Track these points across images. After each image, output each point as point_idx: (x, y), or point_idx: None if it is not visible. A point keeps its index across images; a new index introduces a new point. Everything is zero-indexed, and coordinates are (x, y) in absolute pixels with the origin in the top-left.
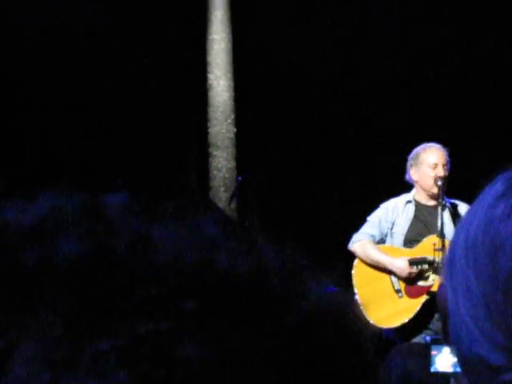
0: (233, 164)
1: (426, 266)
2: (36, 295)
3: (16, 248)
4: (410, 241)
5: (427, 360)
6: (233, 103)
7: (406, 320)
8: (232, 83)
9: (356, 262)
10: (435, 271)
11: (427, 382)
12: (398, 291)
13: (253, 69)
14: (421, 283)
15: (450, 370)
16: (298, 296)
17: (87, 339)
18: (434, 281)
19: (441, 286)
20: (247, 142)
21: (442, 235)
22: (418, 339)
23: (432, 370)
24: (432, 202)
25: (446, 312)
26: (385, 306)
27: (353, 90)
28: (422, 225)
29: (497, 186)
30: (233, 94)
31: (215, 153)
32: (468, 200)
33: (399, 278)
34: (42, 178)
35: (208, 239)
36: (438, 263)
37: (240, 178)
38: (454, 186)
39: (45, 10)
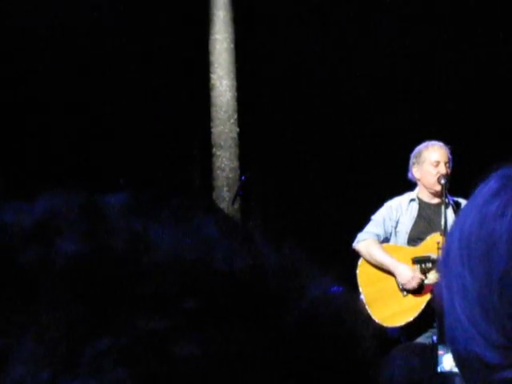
0: (236, 164)
1: (429, 265)
2: (35, 295)
3: (15, 248)
4: (414, 239)
5: (433, 360)
6: (236, 103)
7: (411, 319)
8: (235, 83)
9: (360, 261)
10: None
11: (430, 382)
12: (402, 290)
13: (255, 69)
14: (425, 282)
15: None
16: (296, 295)
17: (87, 338)
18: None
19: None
20: (250, 141)
21: (445, 233)
22: (422, 338)
23: (439, 369)
24: (435, 200)
25: (441, 311)
26: (390, 304)
27: (355, 89)
28: (425, 223)
29: (491, 184)
30: (235, 93)
31: (218, 153)
32: None
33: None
34: (42, 179)
35: (207, 239)
36: None
37: (243, 178)
38: (457, 183)
39: (45, 10)
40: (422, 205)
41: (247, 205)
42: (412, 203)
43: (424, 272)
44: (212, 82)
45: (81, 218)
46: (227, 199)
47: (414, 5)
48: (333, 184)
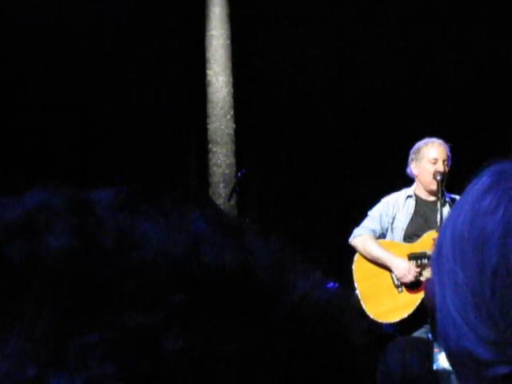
0: (232, 160)
1: (425, 261)
2: (22, 289)
3: (2, 243)
4: (410, 236)
5: (429, 357)
6: (232, 99)
7: (406, 315)
8: (231, 79)
9: (356, 256)
10: None
11: (425, 376)
12: (398, 286)
13: (251, 65)
14: (421, 278)
15: None
16: (285, 289)
17: (74, 333)
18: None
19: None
20: (246, 138)
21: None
22: (418, 333)
23: (435, 367)
24: (432, 197)
25: (433, 307)
26: (385, 300)
27: (352, 85)
28: (422, 220)
29: (483, 181)
30: (232, 90)
31: (214, 149)
32: None
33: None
34: (35, 176)
35: (196, 234)
36: None
37: (239, 174)
38: (456, 181)
39: (44, 10)
40: (419, 201)
41: (243, 201)
42: (409, 199)
43: (420, 268)
44: (208, 78)
45: (69, 213)
46: (223, 195)
47: (414, 4)
48: (329, 180)
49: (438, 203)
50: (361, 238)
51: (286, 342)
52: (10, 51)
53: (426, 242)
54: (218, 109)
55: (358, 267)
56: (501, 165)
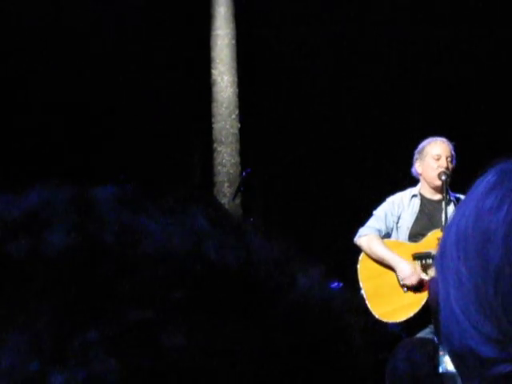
0: (237, 159)
1: (430, 261)
2: (25, 286)
3: (4, 239)
4: (415, 235)
5: (435, 360)
6: (237, 99)
7: (412, 314)
8: (236, 79)
9: (362, 256)
10: None
11: (433, 376)
12: (403, 286)
13: (257, 64)
14: (426, 278)
15: None
16: (286, 288)
17: (76, 329)
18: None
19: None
20: (251, 137)
21: None
22: (423, 333)
23: (441, 369)
24: (437, 197)
25: (437, 305)
26: (390, 300)
27: (357, 85)
28: (427, 219)
29: (488, 178)
30: (237, 89)
31: (219, 148)
32: None
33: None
34: (36, 175)
35: (197, 231)
36: None
37: (244, 174)
38: (461, 180)
39: (45, 10)
40: (424, 201)
41: (248, 200)
42: (414, 199)
43: (424, 268)
44: (213, 77)
45: (71, 211)
46: (228, 195)
47: (415, 4)
48: (334, 179)
49: (443, 202)
50: (366, 237)
51: (286, 340)
52: (9, 51)
53: (431, 242)
54: (223, 108)
55: (364, 267)
56: (505, 164)
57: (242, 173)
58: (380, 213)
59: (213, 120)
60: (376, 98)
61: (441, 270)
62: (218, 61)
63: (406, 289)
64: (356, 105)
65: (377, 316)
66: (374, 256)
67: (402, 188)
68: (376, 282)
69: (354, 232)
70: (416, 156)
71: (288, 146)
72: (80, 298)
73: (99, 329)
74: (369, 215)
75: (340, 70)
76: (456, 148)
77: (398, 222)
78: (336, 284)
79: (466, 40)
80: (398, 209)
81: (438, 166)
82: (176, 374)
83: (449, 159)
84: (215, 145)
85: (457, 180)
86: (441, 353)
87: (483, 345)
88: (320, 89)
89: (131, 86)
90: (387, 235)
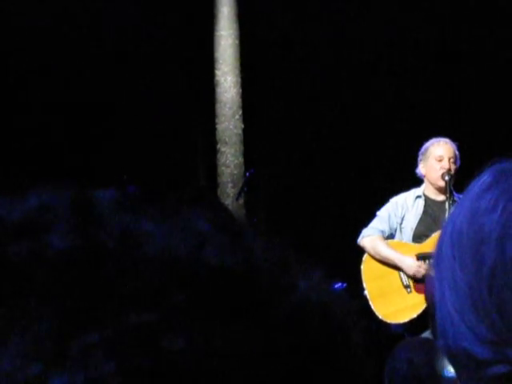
0: (240, 160)
1: None
2: (25, 289)
3: (4, 242)
4: (419, 236)
5: (437, 362)
6: (240, 99)
7: (415, 315)
8: (239, 79)
9: (365, 257)
10: None
11: (433, 377)
12: (406, 286)
13: (260, 65)
14: None
15: None
16: (286, 290)
17: (76, 332)
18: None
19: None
20: (255, 138)
21: None
22: (426, 334)
23: (445, 373)
24: (441, 197)
25: (433, 305)
26: (393, 301)
27: (362, 86)
28: (431, 220)
29: (484, 179)
30: (240, 90)
31: (223, 149)
32: None
33: (407, 275)
34: (39, 176)
35: (198, 233)
36: None
37: (248, 174)
38: (465, 181)
39: (46, 10)
40: (428, 202)
41: (252, 201)
42: (418, 200)
43: (428, 269)
44: (216, 78)
45: (71, 213)
46: (232, 195)
47: (415, 3)
48: (338, 179)
49: (447, 203)
50: (369, 238)
51: (288, 342)
52: (9, 51)
53: (435, 243)
54: (227, 109)
55: (367, 267)
56: (502, 164)
57: (245, 173)
58: (383, 214)
59: (216, 121)
60: (379, 98)
61: (436, 270)
62: (221, 61)
63: (409, 289)
64: (359, 105)
65: (380, 317)
66: (377, 257)
67: (406, 188)
68: (380, 282)
69: (358, 232)
70: (420, 157)
71: (291, 146)
72: (80, 300)
73: (100, 331)
74: (372, 216)
75: (343, 70)
76: (460, 148)
77: (401, 223)
78: (340, 284)
79: (467, 40)
80: (402, 210)
81: (441, 167)
82: (177, 377)
83: (452, 160)
84: (219, 145)
85: (461, 180)
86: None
87: (478, 346)
88: (323, 89)
89: (134, 86)
90: (391, 236)
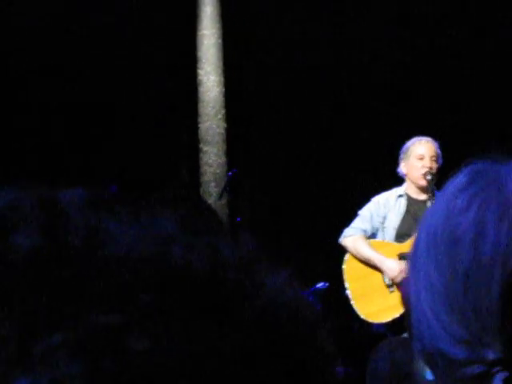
0: (223, 159)
1: None
2: None
3: None
4: (402, 235)
5: (421, 363)
6: (223, 98)
7: (397, 315)
8: (222, 78)
9: (347, 256)
10: None
11: (415, 376)
12: (389, 286)
13: (243, 64)
14: None
15: None
16: (254, 290)
17: (40, 333)
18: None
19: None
20: (238, 137)
21: None
22: (408, 334)
23: (427, 375)
24: (423, 196)
25: (408, 306)
26: (376, 300)
27: (344, 86)
28: (413, 219)
29: (459, 179)
30: (223, 89)
31: (206, 148)
32: None
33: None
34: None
35: (165, 234)
36: None
37: (230, 173)
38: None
39: (46, 10)
40: (410, 201)
41: (234, 200)
42: (400, 199)
43: None
44: (199, 77)
45: (38, 213)
46: (214, 195)
47: (398, 4)
48: (320, 179)
49: (429, 202)
50: (351, 238)
51: (255, 342)
52: (9, 51)
53: None
54: (210, 108)
55: (349, 267)
56: (477, 164)
57: (228, 173)
58: (365, 213)
59: (199, 120)
60: (364, 98)
61: (412, 270)
62: (204, 60)
63: (392, 289)
64: (345, 105)
65: (362, 316)
66: (359, 257)
67: (388, 188)
68: (362, 282)
69: (340, 232)
70: (401, 156)
71: (274, 145)
72: (44, 301)
73: (64, 332)
74: (354, 215)
75: (328, 69)
76: (441, 147)
77: (383, 223)
78: (322, 284)
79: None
80: (384, 209)
81: (422, 166)
82: (142, 377)
83: (433, 159)
84: (201, 145)
85: (444, 179)
86: None
87: (453, 346)
88: (307, 88)
89: (117, 86)
90: (373, 235)
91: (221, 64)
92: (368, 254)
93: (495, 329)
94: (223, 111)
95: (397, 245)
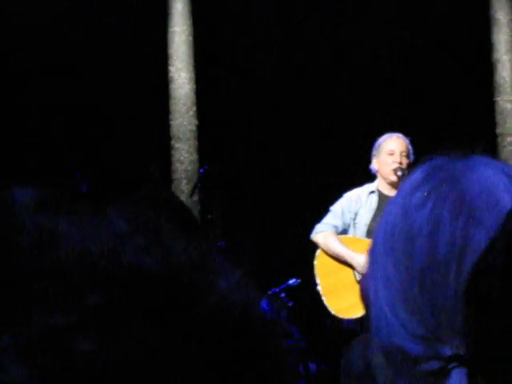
0: (195, 156)
1: None
2: None
3: None
4: (373, 231)
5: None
6: (194, 95)
7: None
8: (193, 75)
9: (318, 252)
10: None
11: None
12: (359, 282)
13: (214, 61)
14: None
15: None
16: (205, 291)
17: None
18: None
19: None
20: (209, 134)
21: None
22: None
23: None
24: (394, 193)
25: (367, 302)
26: (346, 296)
27: (317, 82)
28: None
29: (416, 175)
30: (194, 86)
31: (177, 145)
32: None
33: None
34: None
35: (115, 234)
36: None
37: (202, 170)
38: None
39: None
40: (382, 197)
41: (206, 197)
42: (371, 195)
43: None
44: (170, 74)
45: None
46: (186, 192)
47: (383, 7)
48: (291, 175)
49: None
50: (322, 234)
51: (206, 342)
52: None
53: None
54: (181, 105)
55: (320, 263)
56: (434, 160)
57: (199, 170)
58: (337, 209)
59: (170, 117)
60: (338, 96)
61: (371, 267)
62: (175, 57)
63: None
64: (317, 101)
65: (333, 312)
66: (330, 252)
67: (360, 184)
68: (332, 278)
69: (311, 228)
70: (373, 153)
71: (246, 142)
72: None
73: (11, 334)
74: (326, 211)
75: (299, 66)
76: (413, 143)
77: (355, 219)
78: (294, 281)
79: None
80: (356, 205)
81: (393, 162)
82: (89, 378)
83: (403, 154)
84: (173, 142)
85: None
86: None
87: (410, 342)
88: (278, 85)
89: (87, 83)
90: (344, 231)
91: (192, 61)
92: (339, 249)
93: (451, 325)
94: (194, 108)
95: (368, 241)
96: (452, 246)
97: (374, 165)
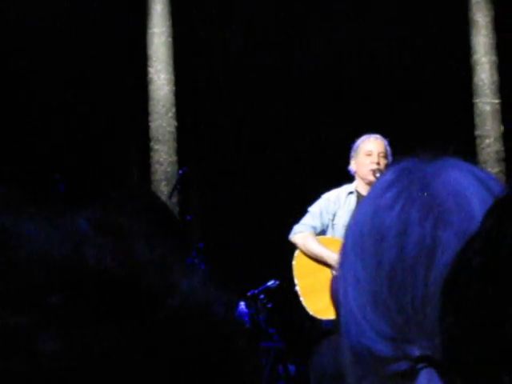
0: (174, 158)
1: None
2: None
3: None
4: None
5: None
6: (173, 97)
7: None
8: (173, 77)
9: (297, 253)
10: None
11: None
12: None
13: (193, 62)
14: None
15: None
16: (167, 291)
17: None
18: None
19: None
20: (188, 135)
21: None
22: None
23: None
24: None
25: (337, 302)
26: (324, 297)
27: (299, 83)
28: None
29: (386, 177)
30: (173, 87)
31: (156, 147)
32: None
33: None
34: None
35: (77, 235)
36: None
37: (181, 172)
38: None
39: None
40: (360, 198)
41: (185, 198)
42: (350, 196)
43: None
44: (150, 75)
45: None
46: (165, 193)
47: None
48: (271, 176)
49: None
50: (301, 234)
51: (168, 343)
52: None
53: None
54: (160, 106)
55: (299, 263)
56: (405, 162)
57: (178, 171)
58: (315, 210)
59: (149, 118)
60: (319, 93)
61: (341, 268)
62: (154, 59)
63: None
64: (297, 102)
65: (311, 313)
66: (308, 253)
67: (339, 185)
68: (311, 278)
69: (290, 229)
70: (352, 154)
71: (225, 144)
72: None
73: None
74: (304, 212)
75: (279, 67)
76: (391, 144)
77: (333, 220)
78: (273, 282)
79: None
80: (334, 206)
81: (370, 162)
82: (52, 380)
83: (381, 155)
84: (152, 143)
85: None
86: None
87: (379, 343)
88: (258, 86)
89: (67, 83)
90: (323, 232)
91: (171, 62)
92: (317, 250)
93: (419, 326)
94: (174, 109)
95: None
96: (421, 247)
97: (353, 166)
